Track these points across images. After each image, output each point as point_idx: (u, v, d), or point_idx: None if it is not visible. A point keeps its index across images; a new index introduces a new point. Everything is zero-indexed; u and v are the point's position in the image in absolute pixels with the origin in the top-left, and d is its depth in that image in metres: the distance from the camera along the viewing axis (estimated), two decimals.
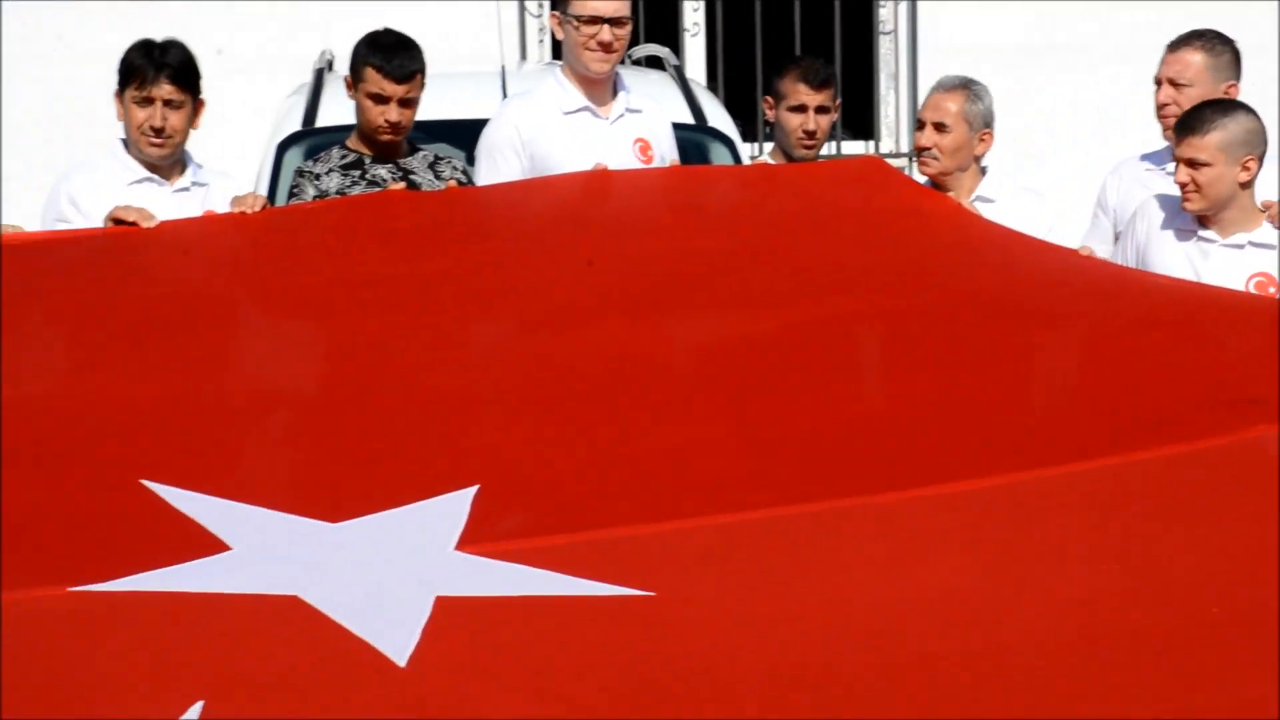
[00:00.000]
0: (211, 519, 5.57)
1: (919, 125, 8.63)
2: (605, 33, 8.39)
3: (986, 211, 8.24)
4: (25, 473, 5.87)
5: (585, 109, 8.53)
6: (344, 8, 10.70)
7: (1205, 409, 6.68)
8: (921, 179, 8.62)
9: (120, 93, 8.00)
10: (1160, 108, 8.66)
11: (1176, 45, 8.78)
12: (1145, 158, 8.89)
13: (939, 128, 8.44)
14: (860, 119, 12.80)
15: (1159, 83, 8.69)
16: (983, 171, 8.61)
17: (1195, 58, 8.59)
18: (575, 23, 8.35)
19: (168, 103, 7.81)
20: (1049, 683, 5.19)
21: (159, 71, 7.84)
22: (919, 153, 8.56)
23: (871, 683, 4.94)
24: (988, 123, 8.53)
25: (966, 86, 8.57)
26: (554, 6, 8.59)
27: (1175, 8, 11.98)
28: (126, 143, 8.07)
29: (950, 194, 8.40)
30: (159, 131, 7.75)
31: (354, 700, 5.09)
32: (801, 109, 8.83)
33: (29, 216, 8.30)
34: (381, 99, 8.24)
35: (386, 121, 8.30)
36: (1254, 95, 8.63)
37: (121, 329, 6.79)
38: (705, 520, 5.90)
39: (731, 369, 6.72)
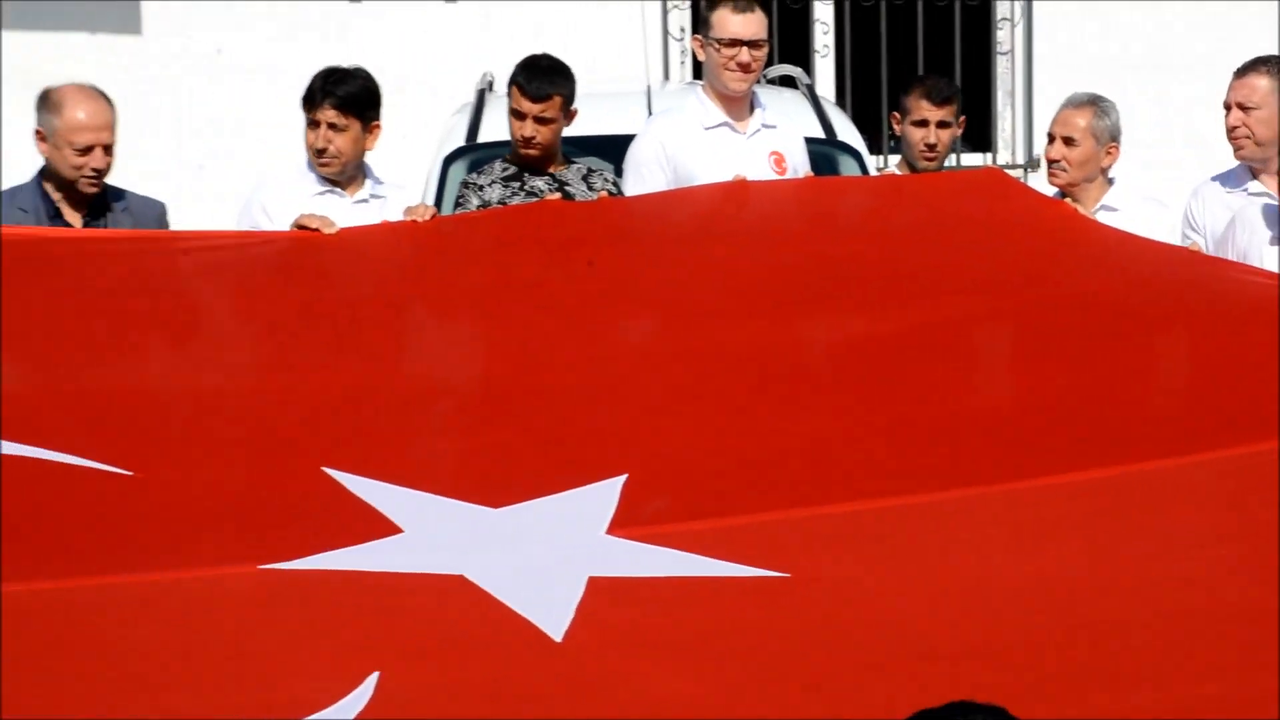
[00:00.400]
0: (385, 504, 5.59)
1: (1049, 139, 8.51)
2: (743, 54, 8.36)
3: (1111, 220, 8.15)
4: (220, 460, 5.92)
5: (724, 124, 8.50)
6: (501, 34, 10.63)
7: None
8: (1051, 189, 8.52)
9: None
10: (1230, 130, 8.42)
11: (1243, 71, 8.50)
12: (1218, 179, 8.68)
13: (1068, 141, 8.35)
14: (979, 133, 12.69)
15: (1228, 107, 8.43)
16: (1109, 182, 8.49)
17: (1261, 82, 8.33)
18: (716, 45, 8.35)
19: (332, 126, 7.84)
20: (1165, 659, 5.20)
21: (324, 98, 7.91)
22: (1049, 165, 8.46)
23: (993, 659, 4.91)
24: (1114, 137, 8.43)
25: (1094, 103, 8.47)
26: (696, 30, 8.55)
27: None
28: None
29: (1078, 203, 8.30)
30: (321, 152, 7.78)
31: (515, 671, 5.12)
32: (924, 124, 8.82)
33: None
34: (519, 115, 8.25)
35: (521, 136, 8.29)
36: None
37: (304, 327, 6.83)
38: (836, 507, 5.87)
39: (862, 366, 6.70)
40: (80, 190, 7.72)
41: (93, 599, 5.24)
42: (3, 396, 5.97)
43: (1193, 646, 5.37)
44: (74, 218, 7.76)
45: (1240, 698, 5.09)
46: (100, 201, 7.81)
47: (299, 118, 8.13)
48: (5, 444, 5.66)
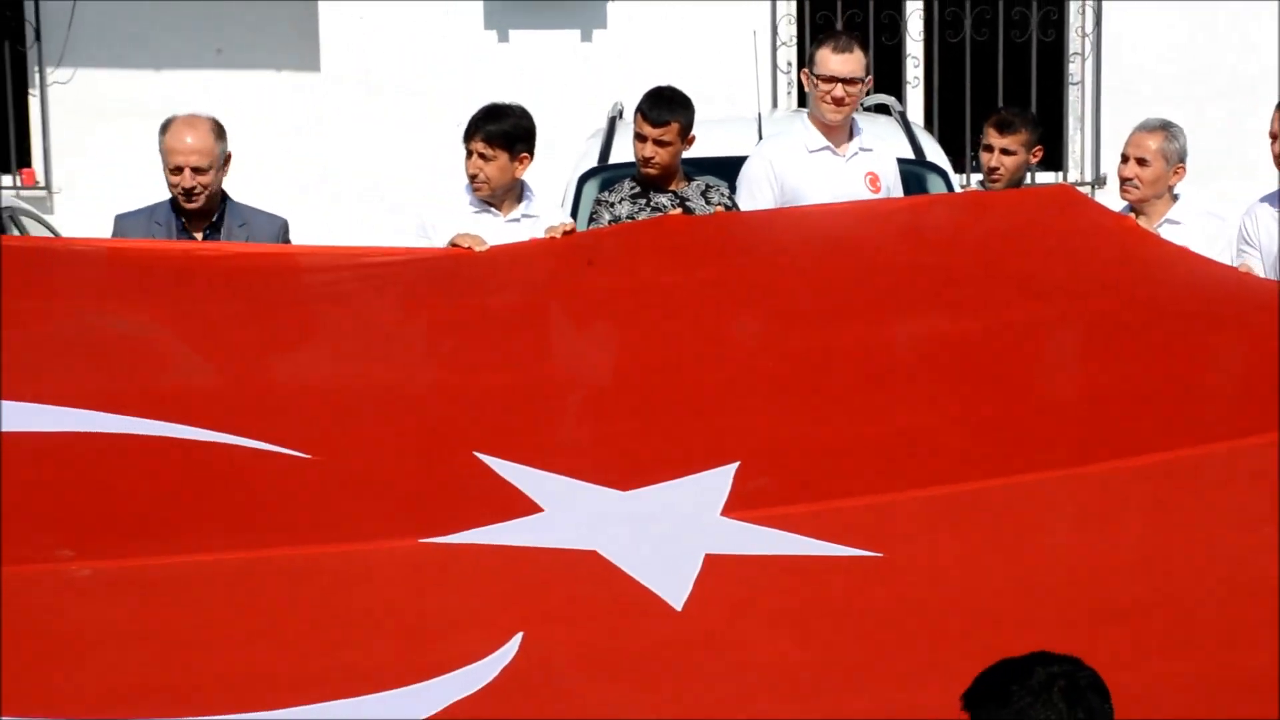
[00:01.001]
0: (528, 485, 5.62)
1: (1123, 159, 8.36)
2: (838, 89, 8.33)
3: (1174, 232, 8.04)
4: (386, 447, 5.95)
5: (826, 148, 8.44)
6: (631, 68, 10.61)
7: None
8: (1123, 204, 8.42)
9: None
10: (1277, 158, 8.24)
11: None
12: (1267, 199, 8.39)
13: (1140, 162, 8.23)
14: (1052, 153, 12.60)
15: (1274, 137, 8.15)
16: (1175, 198, 8.35)
17: None
18: (816, 80, 8.32)
19: (481, 155, 7.85)
20: (1220, 630, 5.19)
21: (476, 131, 7.93)
22: (1122, 182, 8.33)
23: (1066, 628, 4.85)
24: (1181, 158, 8.31)
25: (1165, 128, 8.37)
26: (801, 65, 8.55)
27: None
28: None
29: (1145, 217, 8.20)
30: (474, 177, 7.78)
31: (641, 636, 5.17)
32: (990, 149, 8.74)
33: None
34: (642, 138, 8.20)
35: (642, 156, 8.24)
36: None
37: (460, 331, 6.83)
38: (924, 491, 5.84)
39: (947, 363, 6.65)
40: (181, 206, 7.74)
41: (274, 568, 5.30)
42: (204, 390, 6.09)
43: (1245, 618, 5.33)
44: (196, 233, 7.79)
45: None
46: (219, 219, 7.80)
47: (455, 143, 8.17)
48: (201, 430, 5.70)
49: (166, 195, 7.74)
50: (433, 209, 8.20)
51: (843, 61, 8.41)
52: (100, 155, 13.10)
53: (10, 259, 6.79)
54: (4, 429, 5.55)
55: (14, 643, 4.87)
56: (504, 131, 7.99)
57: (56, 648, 4.99)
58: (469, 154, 7.94)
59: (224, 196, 7.83)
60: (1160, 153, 8.24)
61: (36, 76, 13.68)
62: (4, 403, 5.62)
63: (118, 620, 5.11)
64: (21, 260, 6.89)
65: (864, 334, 6.80)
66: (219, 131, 7.71)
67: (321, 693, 4.86)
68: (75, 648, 4.99)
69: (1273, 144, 7.98)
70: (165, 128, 7.76)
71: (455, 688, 4.86)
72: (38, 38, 13.59)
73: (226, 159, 7.73)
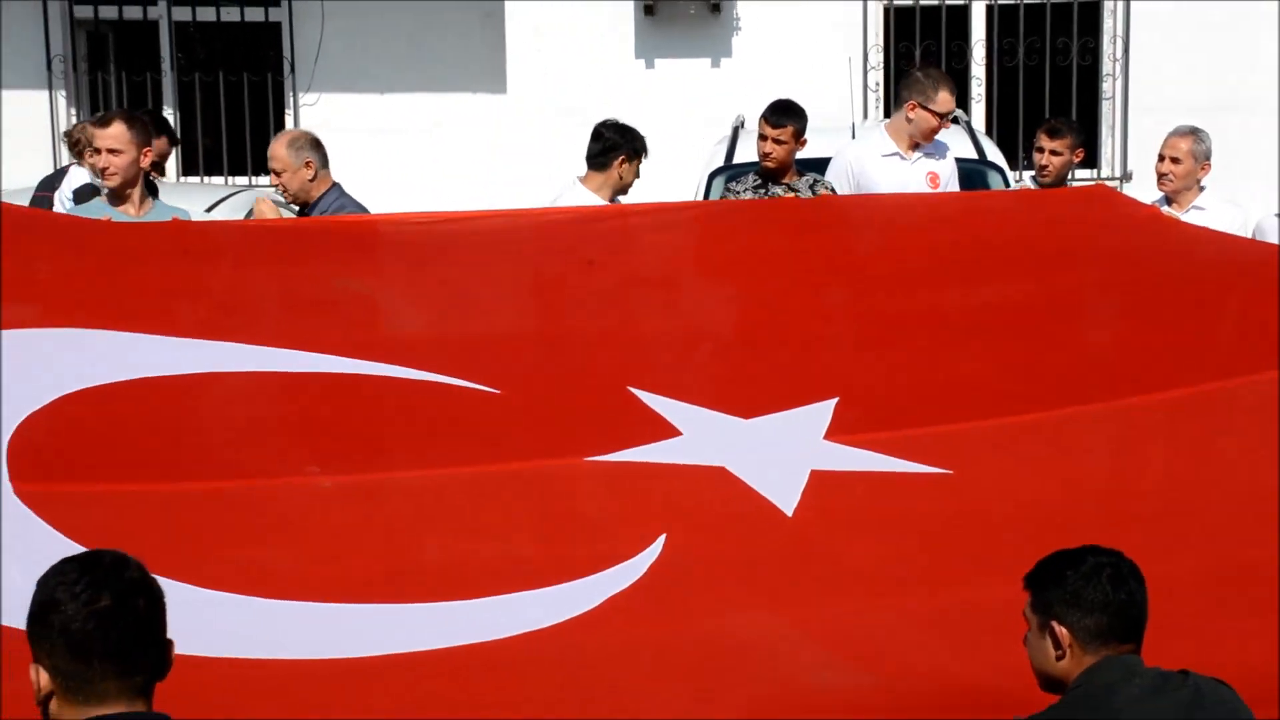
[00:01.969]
0: (670, 414, 5.59)
1: (1160, 158, 8.37)
2: (946, 122, 8.48)
3: (1199, 216, 8.02)
4: (561, 383, 5.91)
5: (895, 154, 8.44)
6: (751, 88, 10.50)
7: None
8: (1159, 194, 8.37)
9: None
10: None
11: None
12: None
13: (1174, 160, 8.26)
14: (1089, 155, 12.48)
15: None
16: (1201, 189, 8.32)
17: None
18: (933, 113, 8.32)
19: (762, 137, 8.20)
20: (1235, 528, 5.24)
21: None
22: (1159, 176, 8.34)
23: (1104, 533, 4.75)
24: (1208, 157, 8.30)
25: (1194, 133, 8.36)
26: (908, 95, 8.48)
27: None
28: None
29: (1176, 204, 8.22)
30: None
31: (758, 536, 5.22)
32: (1041, 150, 8.75)
33: None
34: (763, 137, 8.22)
35: (763, 152, 8.26)
36: None
37: (616, 285, 6.60)
38: (987, 422, 5.84)
39: (1003, 321, 6.54)
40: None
41: (470, 482, 5.37)
42: (417, 338, 6.04)
43: (1246, 519, 5.40)
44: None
45: None
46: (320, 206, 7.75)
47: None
48: (415, 371, 5.69)
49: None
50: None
51: (951, 102, 8.49)
52: (337, 163, 13.23)
53: (275, 235, 6.90)
54: (272, 369, 5.57)
55: (272, 540, 5.01)
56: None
57: (305, 543, 5.08)
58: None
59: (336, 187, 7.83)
60: (1190, 153, 8.27)
61: (290, 100, 13.79)
62: (272, 349, 5.62)
63: (353, 523, 5.17)
64: (284, 235, 6.93)
65: (932, 297, 6.61)
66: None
67: (508, 586, 4.94)
68: (319, 544, 5.08)
69: None
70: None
71: (612, 583, 4.94)
72: (292, 70, 13.70)
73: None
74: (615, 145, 8.22)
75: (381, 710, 4.57)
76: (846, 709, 4.55)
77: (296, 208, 7.97)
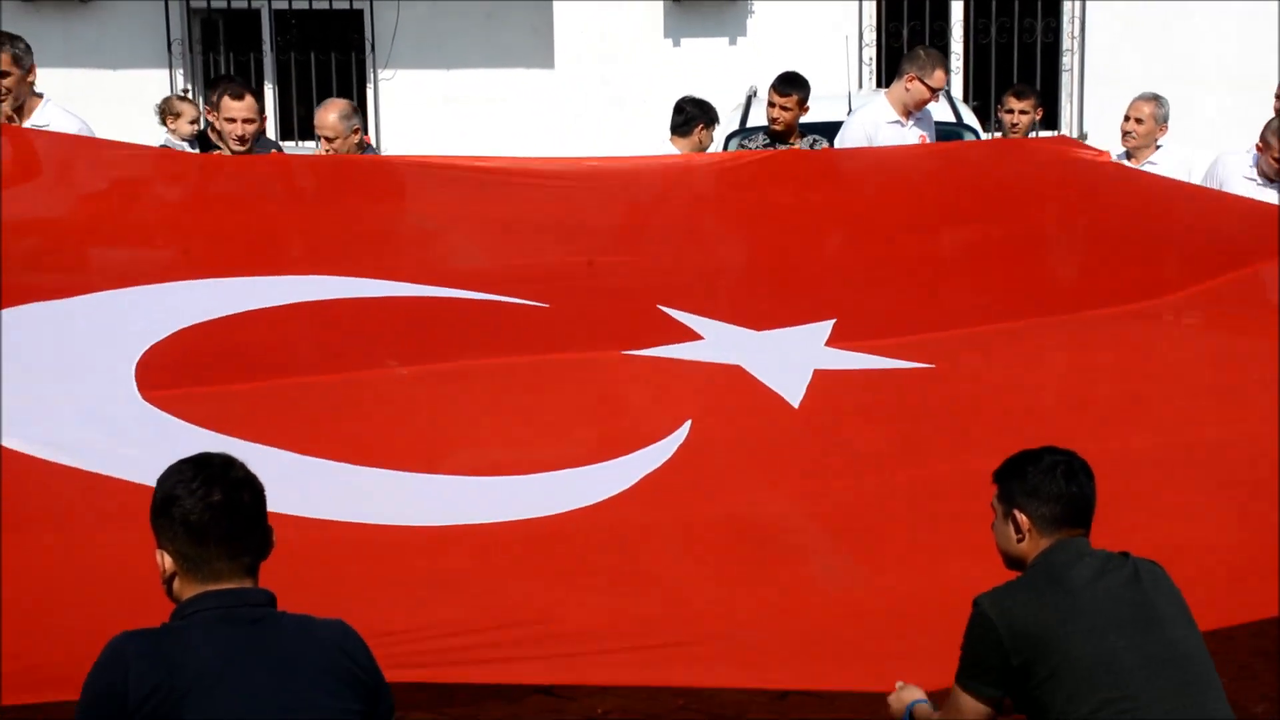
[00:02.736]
0: (694, 324, 5.59)
1: (1126, 119, 8.34)
2: (938, 96, 8.47)
3: (1152, 169, 8.00)
4: (609, 301, 5.92)
5: (896, 121, 8.31)
6: (762, 64, 10.42)
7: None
8: (1122, 150, 8.31)
9: None
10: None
11: None
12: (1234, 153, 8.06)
13: (1138, 120, 8.23)
14: (1050, 121, 12.43)
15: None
16: (1158, 147, 8.28)
17: None
18: (929, 87, 8.22)
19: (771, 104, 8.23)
20: (1174, 411, 5.28)
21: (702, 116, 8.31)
22: (1124, 134, 8.31)
23: (1064, 425, 4.79)
24: (1165, 120, 8.27)
25: (1155, 99, 8.33)
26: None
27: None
28: None
29: (1135, 158, 8.20)
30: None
31: (768, 424, 5.19)
32: (1010, 111, 8.75)
33: None
34: (773, 105, 8.20)
35: (773, 117, 8.25)
36: None
37: (649, 228, 6.66)
38: (963, 330, 5.84)
39: (980, 252, 6.54)
40: None
41: (527, 370, 5.38)
42: (479, 267, 6.02)
43: (1184, 402, 5.48)
44: None
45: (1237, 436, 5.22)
46: None
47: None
48: (477, 293, 5.71)
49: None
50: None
51: (943, 79, 8.44)
52: (411, 130, 13.19)
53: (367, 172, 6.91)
54: (356, 296, 5.60)
55: (359, 417, 5.04)
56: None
57: (387, 420, 5.08)
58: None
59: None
60: (1152, 115, 8.22)
61: (371, 76, 13.75)
62: (355, 279, 5.65)
63: (426, 404, 5.18)
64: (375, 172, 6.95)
65: (918, 232, 6.59)
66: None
67: (560, 463, 4.93)
68: (400, 421, 5.09)
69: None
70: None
71: (646, 462, 4.91)
72: (372, 50, 13.67)
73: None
74: (694, 116, 8.35)
75: (450, 576, 4.53)
76: (844, 598, 4.55)
77: None
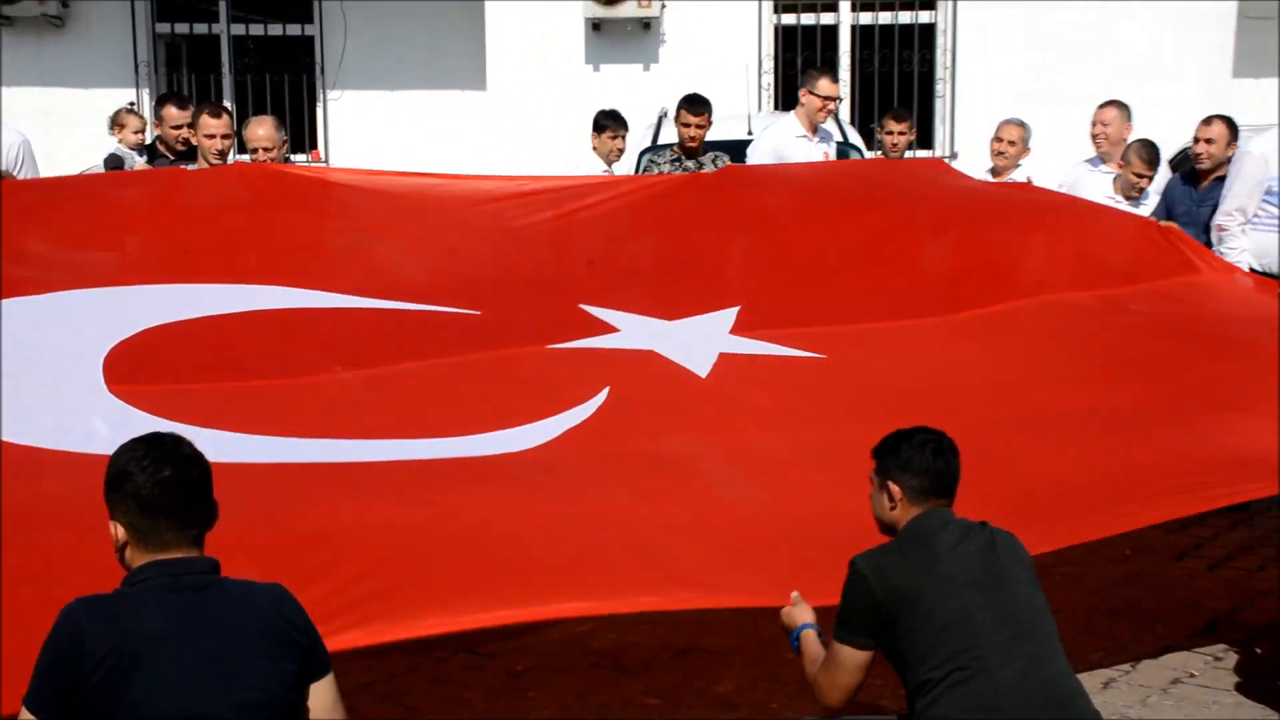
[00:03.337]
0: (610, 319, 5.60)
1: (997, 139, 8.35)
2: (830, 105, 8.38)
3: (1019, 177, 8.09)
4: (530, 304, 5.86)
5: (804, 136, 8.32)
6: (672, 88, 10.28)
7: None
8: (988, 168, 8.37)
9: None
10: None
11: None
12: (1089, 162, 8.20)
13: (1011, 143, 8.23)
14: (926, 138, 12.49)
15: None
16: (1018, 166, 8.27)
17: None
18: (819, 97, 8.27)
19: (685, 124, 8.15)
20: (1029, 398, 5.35)
21: (612, 121, 8.17)
22: (994, 154, 8.34)
23: (936, 409, 4.71)
24: (1028, 144, 8.29)
25: (1022, 124, 8.36)
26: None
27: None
28: None
29: (1005, 173, 8.23)
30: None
31: (678, 389, 5.24)
32: (890, 132, 8.65)
33: None
34: (685, 124, 8.09)
35: (686, 135, 8.12)
36: None
37: (564, 231, 6.60)
38: (851, 326, 5.91)
39: (865, 249, 6.56)
40: None
41: (458, 366, 5.34)
42: (414, 280, 5.94)
43: (1038, 394, 5.51)
44: None
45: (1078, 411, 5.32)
46: None
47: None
48: (413, 304, 5.68)
49: None
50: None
51: (834, 87, 8.41)
52: (358, 147, 13.07)
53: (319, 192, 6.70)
54: (302, 306, 5.56)
55: (303, 416, 4.92)
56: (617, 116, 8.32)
57: (334, 413, 4.98)
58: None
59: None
60: (1020, 138, 8.23)
61: (321, 96, 13.57)
62: (300, 289, 5.62)
63: (367, 404, 5.07)
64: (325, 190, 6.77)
65: (812, 237, 6.61)
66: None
67: (496, 425, 4.89)
68: (343, 414, 4.98)
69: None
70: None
71: (570, 419, 4.92)
72: (321, 72, 13.50)
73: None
74: (605, 125, 8.26)
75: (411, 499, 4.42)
76: (746, 514, 4.52)
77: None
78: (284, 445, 4.64)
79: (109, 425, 4.50)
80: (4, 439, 4.36)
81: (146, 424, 4.35)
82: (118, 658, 2.87)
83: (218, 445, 3.94)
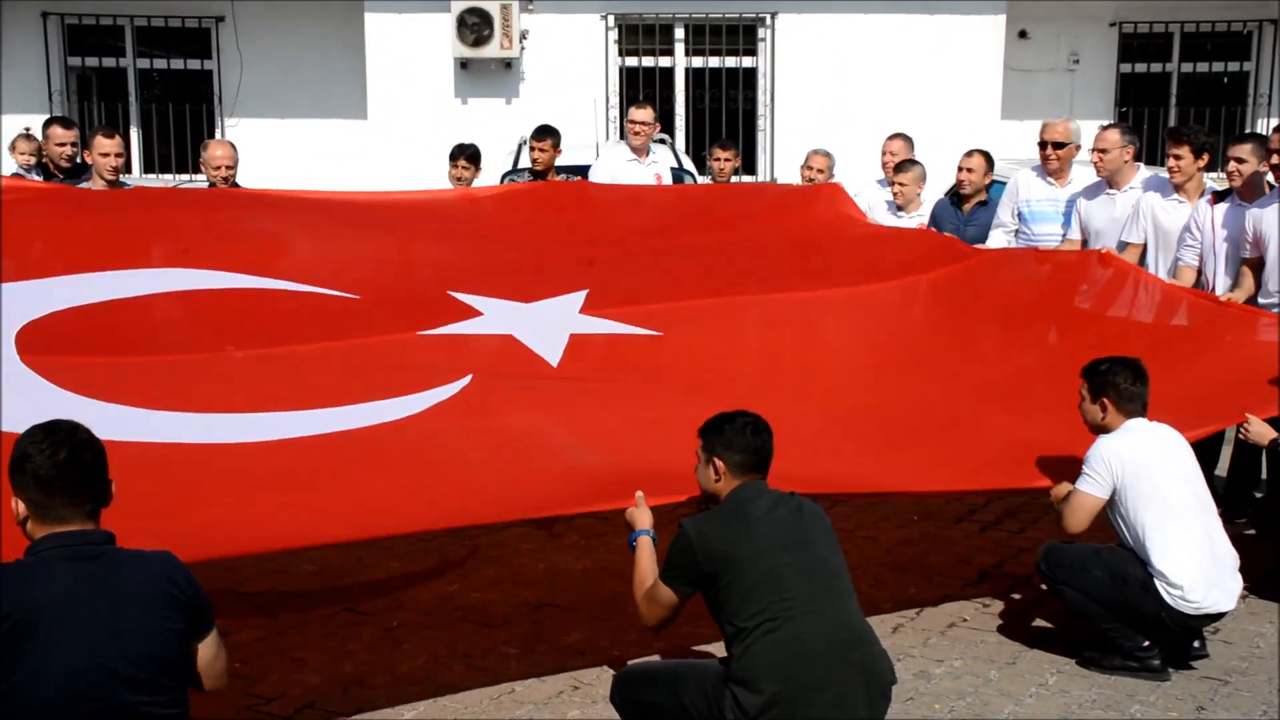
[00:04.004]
0: (474, 303, 5.50)
1: (808, 167, 8.05)
2: (641, 130, 8.32)
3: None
4: (399, 288, 5.72)
5: (634, 159, 8.30)
6: (528, 120, 10.16)
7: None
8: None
9: None
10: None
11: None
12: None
13: (820, 170, 7.97)
14: (749, 167, 12.58)
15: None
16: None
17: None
18: (632, 124, 8.30)
19: (465, 168, 7.93)
20: (874, 372, 5.35)
21: (460, 155, 7.97)
22: (806, 180, 8.04)
23: (765, 388, 4.83)
24: (833, 169, 8.07)
25: (827, 154, 8.08)
26: (622, 120, 8.47)
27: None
28: None
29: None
30: (458, 180, 7.78)
31: (532, 376, 5.11)
32: (717, 159, 8.53)
33: None
34: (535, 150, 8.06)
35: (534, 159, 8.08)
36: None
37: (446, 228, 6.48)
38: (686, 303, 5.85)
39: (700, 251, 6.53)
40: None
41: (338, 351, 5.16)
42: (302, 261, 5.80)
43: (887, 368, 5.57)
44: None
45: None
46: None
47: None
48: (299, 284, 5.53)
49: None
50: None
51: (643, 113, 8.37)
52: (254, 170, 12.70)
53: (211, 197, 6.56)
54: (201, 287, 5.35)
55: (197, 388, 4.74)
56: (473, 154, 8.08)
57: (227, 390, 4.80)
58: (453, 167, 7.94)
59: None
60: (827, 165, 8.03)
61: (220, 124, 13.21)
62: (199, 270, 5.42)
63: (256, 378, 4.91)
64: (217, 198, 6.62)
65: (653, 237, 6.62)
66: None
67: (367, 398, 4.76)
68: (235, 388, 4.81)
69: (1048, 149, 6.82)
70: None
71: (435, 397, 4.81)
72: (219, 102, 13.16)
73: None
74: (457, 155, 8.07)
75: (294, 472, 4.33)
76: (589, 478, 4.45)
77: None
78: (183, 421, 4.47)
79: (20, 396, 4.28)
80: None
81: (54, 396, 4.28)
82: (17, 619, 2.86)
83: (121, 421, 3.83)
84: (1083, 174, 6.87)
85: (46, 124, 7.76)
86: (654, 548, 3.86)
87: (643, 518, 3.94)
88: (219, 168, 6.98)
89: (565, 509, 4.37)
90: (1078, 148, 6.83)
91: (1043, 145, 6.79)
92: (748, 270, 6.32)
